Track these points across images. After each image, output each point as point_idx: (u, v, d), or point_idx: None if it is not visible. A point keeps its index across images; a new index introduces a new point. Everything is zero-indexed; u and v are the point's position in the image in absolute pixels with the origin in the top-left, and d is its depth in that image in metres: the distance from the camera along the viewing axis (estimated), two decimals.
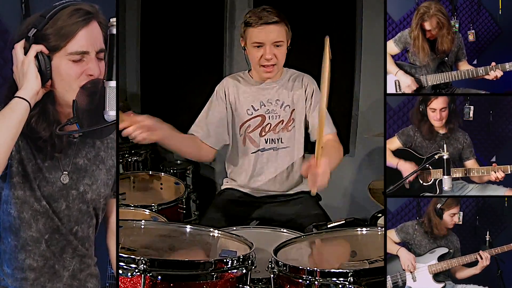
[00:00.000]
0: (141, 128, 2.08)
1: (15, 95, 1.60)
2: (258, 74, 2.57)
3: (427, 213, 1.98)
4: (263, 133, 2.57)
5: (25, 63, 1.62)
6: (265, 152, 2.60)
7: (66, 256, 1.81)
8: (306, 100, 2.57)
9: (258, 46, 2.46)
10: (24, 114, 1.59)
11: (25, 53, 1.63)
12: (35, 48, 1.63)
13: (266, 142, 2.58)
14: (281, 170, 2.62)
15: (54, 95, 1.69)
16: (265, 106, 2.57)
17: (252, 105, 2.58)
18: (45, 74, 1.64)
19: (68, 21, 1.63)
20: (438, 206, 1.96)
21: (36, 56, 1.62)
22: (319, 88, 2.36)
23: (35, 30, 1.63)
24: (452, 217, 1.97)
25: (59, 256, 1.80)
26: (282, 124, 2.57)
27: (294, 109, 2.57)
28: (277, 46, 2.46)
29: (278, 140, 2.58)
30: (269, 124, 2.57)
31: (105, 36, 1.68)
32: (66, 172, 1.77)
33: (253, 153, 2.60)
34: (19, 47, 1.64)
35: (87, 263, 1.88)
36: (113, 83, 1.59)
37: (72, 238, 1.81)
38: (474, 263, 1.95)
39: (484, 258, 1.93)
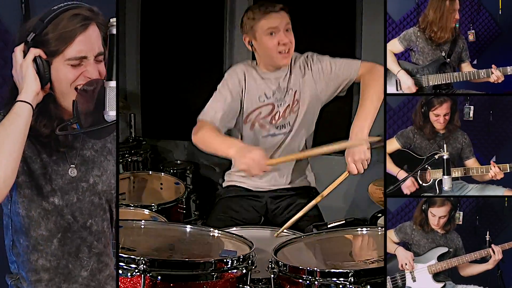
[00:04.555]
0: None
1: (17, 99, 1.61)
2: (275, 62, 2.56)
3: (415, 211, 1.97)
4: (273, 121, 2.60)
5: (23, 66, 1.63)
6: (276, 137, 2.62)
7: (82, 255, 1.79)
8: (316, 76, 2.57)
9: (271, 33, 2.48)
10: (28, 117, 1.61)
11: (24, 57, 1.64)
12: (33, 52, 1.64)
13: (277, 128, 2.60)
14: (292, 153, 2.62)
15: (54, 96, 1.70)
16: (274, 95, 2.59)
17: (264, 93, 2.59)
18: (44, 78, 1.65)
19: (68, 26, 1.64)
20: (423, 207, 1.95)
21: (35, 60, 1.64)
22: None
23: (34, 34, 1.64)
24: (433, 217, 1.93)
25: (74, 255, 1.78)
26: (288, 108, 2.59)
27: (296, 91, 2.58)
28: (287, 30, 2.49)
29: (287, 124, 2.60)
30: (278, 112, 2.59)
31: (105, 36, 1.68)
32: (74, 165, 1.77)
33: (264, 137, 2.61)
34: (18, 50, 1.66)
35: (105, 261, 1.84)
36: (113, 83, 1.59)
37: (86, 234, 1.78)
38: (476, 261, 1.94)
39: (497, 252, 1.91)
